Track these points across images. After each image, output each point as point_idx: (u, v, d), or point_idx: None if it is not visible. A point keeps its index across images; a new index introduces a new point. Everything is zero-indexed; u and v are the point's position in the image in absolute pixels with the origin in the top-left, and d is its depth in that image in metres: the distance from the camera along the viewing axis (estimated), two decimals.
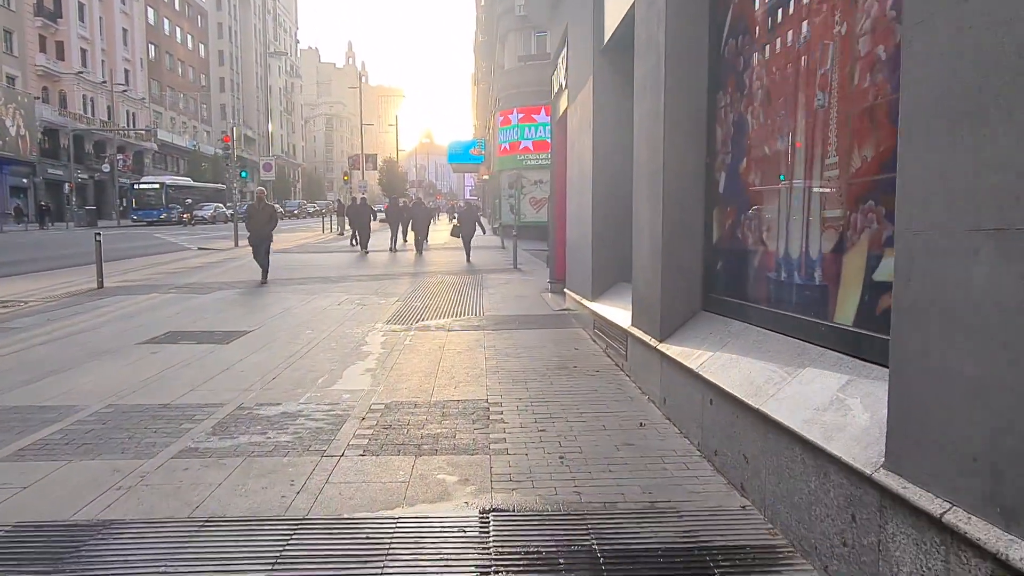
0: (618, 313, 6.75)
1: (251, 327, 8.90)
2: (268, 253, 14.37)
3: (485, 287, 13.51)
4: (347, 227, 26.26)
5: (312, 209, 79.85)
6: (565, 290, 10.34)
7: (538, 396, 5.53)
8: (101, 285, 12.67)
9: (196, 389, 5.80)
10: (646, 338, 5.33)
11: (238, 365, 6.72)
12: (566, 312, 10.17)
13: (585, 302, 8.39)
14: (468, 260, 19.92)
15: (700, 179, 4.89)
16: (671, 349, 4.72)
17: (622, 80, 7.79)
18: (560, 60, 11.07)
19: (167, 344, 7.79)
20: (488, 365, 6.69)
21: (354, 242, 24.03)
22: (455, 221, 22.03)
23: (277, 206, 28.75)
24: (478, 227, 21.32)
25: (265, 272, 14.21)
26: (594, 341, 7.86)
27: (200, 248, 24.52)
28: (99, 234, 12.67)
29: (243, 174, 27.86)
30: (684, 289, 4.96)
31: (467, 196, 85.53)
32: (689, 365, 4.23)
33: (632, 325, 5.90)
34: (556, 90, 11.80)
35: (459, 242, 21.59)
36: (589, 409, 5.15)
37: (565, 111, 10.84)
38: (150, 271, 16.44)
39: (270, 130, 35.01)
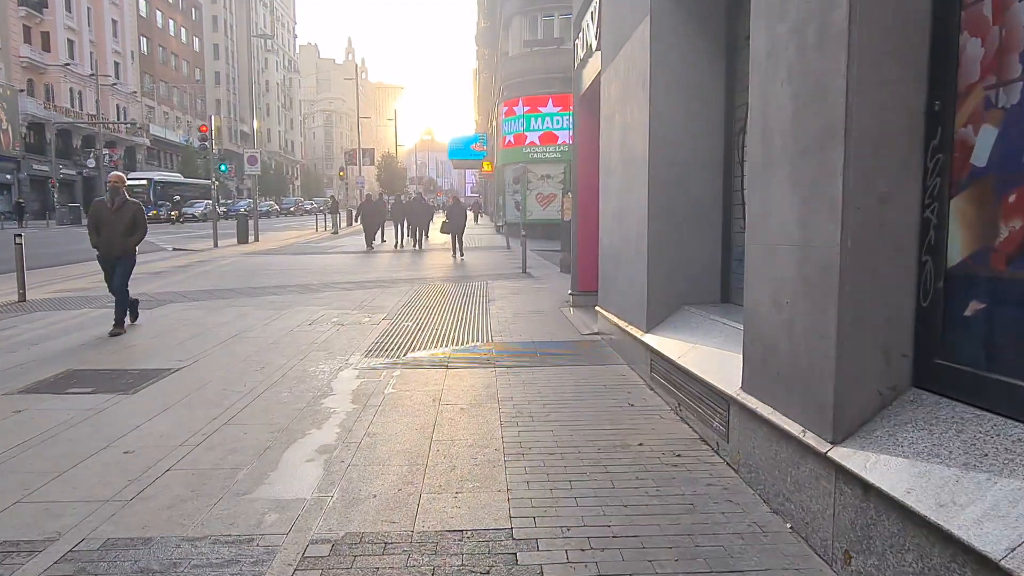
0: (703, 361, 4.46)
1: (182, 362, 6.62)
2: (126, 288, 8.41)
3: (492, 299, 11.23)
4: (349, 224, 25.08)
5: (309, 206, 77.60)
6: (597, 308, 8.06)
7: (596, 518, 3.25)
8: (23, 298, 10.39)
9: (27, 498, 3.52)
10: (792, 429, 3.04)
11: (126, 439, 4.43)
12: (599, 337, 7.89)
13: (634, 331, 6.11)
14: (457, 256, 19.48)
15: (917, 143, 2.61)
16: (877, 472, 2.43)
17: (695, 16, 5.52)
18: (588, 16, 8.77)
19: (48, 394, 5.50)
20: (506, 439, 4.41)
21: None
22: (444, 217, 21.73)
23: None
24: (469, 218, 20.94)
25: (123, 314, 8.35)
26: (652, 388, 5.58)
27: (175, 249, 22.22)
28: (19, 236, 10.39)
29: (222, 167, 25.53)
30: (880, 350, 2.68)
31: (468, 193, 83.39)
32: (970, 541, 1.94)
33: (744, 391, 3.62)
34: (581, 57, 9.51)
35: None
36: (699, 563, 2.86)
37: (596, 79, 8.54)
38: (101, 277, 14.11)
39: (255, 125, 32.55)
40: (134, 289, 12.07)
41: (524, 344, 7.57)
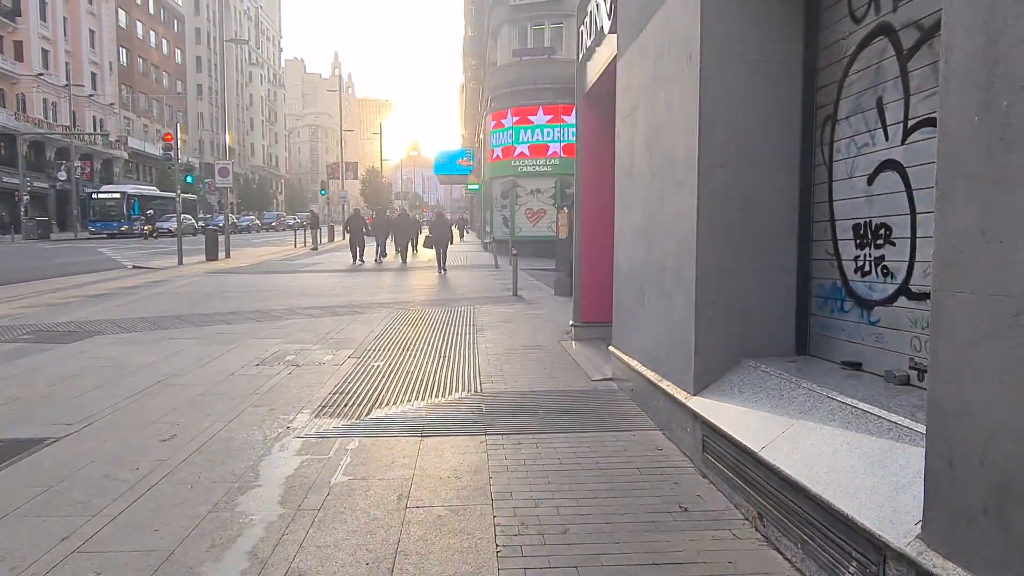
0: (812, 462, 2.89)
1: (70, 426, 4.98)
2: None
3: (480, 328, 9.65)
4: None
5: (292, 221, 75.89)
6: (611, 349, 6.49)
7: None
8: None
9: None
10: None
11: None
12: (614, 384, 6.33)
13: (671, 390, 4.55)
14: (442, 271, 19.35)
15: None
16: None
17: None
18: None
19: None
20: None
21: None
22: (427, 231, 22.16)
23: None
24: (453, 235, 21.30)
25: None
26: (705, 475, 4.01)
27: (135, 266, 20.47)
28: None
29: (188, 178, 23.86)
30: None
31: (457, 207, 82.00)
32: None
33: (933, 547, 2.06)
34: (587, 46, 8.01)
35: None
36: None
37: (607, 70, 7.06)
38: (33, 300, 12.41)
39: (228, 140, 30.72)
40: (63, 315, 10.42)
41: (522, 395, 5.98)
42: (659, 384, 4.84)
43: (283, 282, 16.46)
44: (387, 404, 5.69)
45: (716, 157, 4.14)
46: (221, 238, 23.32)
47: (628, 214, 5.95)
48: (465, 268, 21.47)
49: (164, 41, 78.04)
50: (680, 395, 4.38)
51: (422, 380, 6.57)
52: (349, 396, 5.93)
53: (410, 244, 24.76)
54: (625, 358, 5.93)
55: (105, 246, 33.81)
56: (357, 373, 6.84)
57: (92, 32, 62.26)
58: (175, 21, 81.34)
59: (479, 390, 6.19)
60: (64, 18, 58.55)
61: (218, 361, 7.37)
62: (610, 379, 6.53)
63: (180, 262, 20.98)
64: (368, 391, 6.12)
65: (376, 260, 23.79)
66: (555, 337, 9.00)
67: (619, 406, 5.64)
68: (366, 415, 5.37)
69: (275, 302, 12.46)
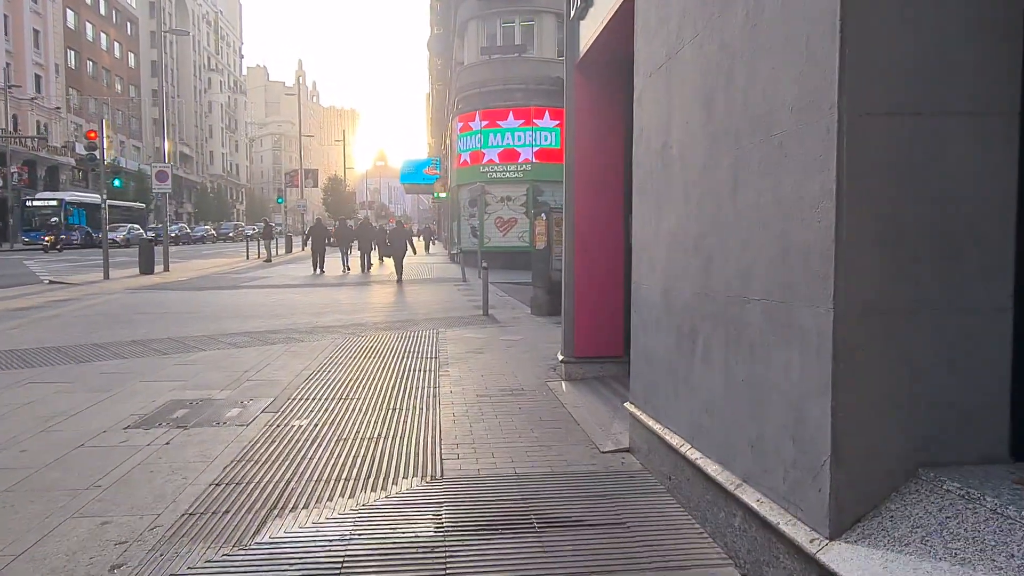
0: None
1: None
2: None
3: (444, 362, 7.64)
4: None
5: (251, 231, 73.04)
6: (630, 408, 4.52)
7: None
8: None
9: None
10: None
11: None
12: (634, 460, 4.38)
13: (777, 519, 2.60)
14: (399, 281, 18.75)
15: None
16: None
17: None
18: None
19: None
20: None
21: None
22: (387, 241, 21.49)
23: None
24: (409, 247, 20.64)
25: None
26: None
27: (52, 281, 18.00)
28: None
29: (116, 182, 21.54)
30: None
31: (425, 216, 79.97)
32: None
33: None
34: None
35: (408, 268, 20.38)
36: None
37: (613, 20, 5.16)
38: None
39: (167, 147, 28.09)
40: None
41: (502, 486, 3.99)
42: (736, 493, 2.89)
43: (218, 300, 14.23)
44: (292, 507, 3.65)
45: (877, 98, 2.22)
46: (156, 248, 20.91)
47: (658, 217, 4.00)
48: (430, 282, 19.45)
49: (116, 44, 74.75)
50: (796, 533, 2.42)
51: (356, 454, 4.53)
52: (238, 491, 3.87)
53: (373, 254, 23.58)
54: (656, 428, 3.97)
55: (35, 258, 30.99)
56: (265, 442, 4.78)
57: (36, 32, 59.01)
58: (128, 24, 78.05)
59: (438, 475, 4.18)
60: (5, 16, 55.31)
61: (74, 421, 5.25)
62: (626, 449, 4.58)
63: (106, 276, 18.54)
64: (270, 479, 4.06)
65: (344, 270, 22.77)
66: (539, 374, 7.05)
67: (653, 507, 3.68)
68: (252, 535, 3.32)
69: (197, 327, 10.29)
